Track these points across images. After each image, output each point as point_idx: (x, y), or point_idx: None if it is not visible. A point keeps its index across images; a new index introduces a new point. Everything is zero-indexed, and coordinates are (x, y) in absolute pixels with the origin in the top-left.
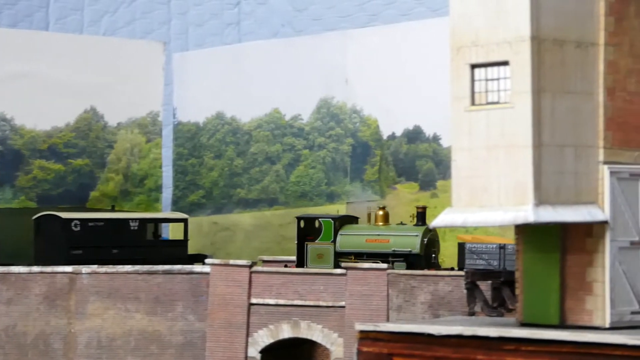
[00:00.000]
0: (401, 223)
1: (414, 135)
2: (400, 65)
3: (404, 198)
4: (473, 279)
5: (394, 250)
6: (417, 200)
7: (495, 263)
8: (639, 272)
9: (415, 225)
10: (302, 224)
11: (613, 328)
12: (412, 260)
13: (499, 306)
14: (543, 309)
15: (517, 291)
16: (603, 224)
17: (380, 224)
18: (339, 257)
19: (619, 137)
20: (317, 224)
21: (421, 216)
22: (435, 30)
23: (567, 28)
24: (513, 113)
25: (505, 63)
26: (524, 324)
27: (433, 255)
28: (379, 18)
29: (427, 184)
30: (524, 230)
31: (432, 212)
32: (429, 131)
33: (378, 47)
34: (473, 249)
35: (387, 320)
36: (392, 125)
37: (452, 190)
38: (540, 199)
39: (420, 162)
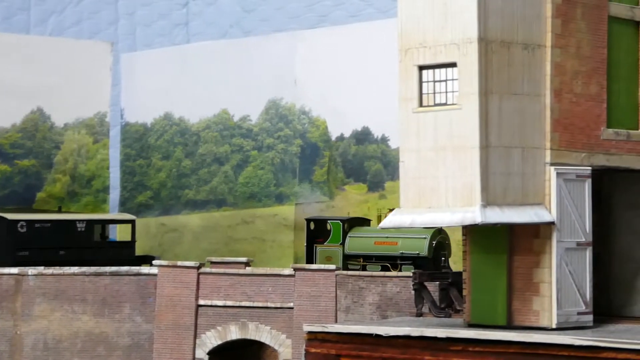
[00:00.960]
0: None
1: (363, 136)
2: (349, 67)
3: (352, 199)
4: (421, 279)
5: (401, 253)
6: (366, 201)
7: None
8: (586, 273)
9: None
10: (311, 225)
11: (560, 329)
12: (420, 263)
13: (446, 307)
14: (490, 310)
15: (465, 292)
16: (550, 224)
17: None
18: (348, 260)
19: (565, 138)
20: (328, 226)
21: None
22: (384, 31)
23: (514, 30)
24: (461, 114)
25: (453, 65)
26: (471, 325)
27: (443, 258)
28: (328, 19)
29: (375, 185)
30: (472, 231)
31: (380, 213)
32: (377, 132)
33: (327, 48)
34: None
35: (336, 321)
36: (340, 126)
37: (401, 191)
38: (488, 200)
39: (368, 163)
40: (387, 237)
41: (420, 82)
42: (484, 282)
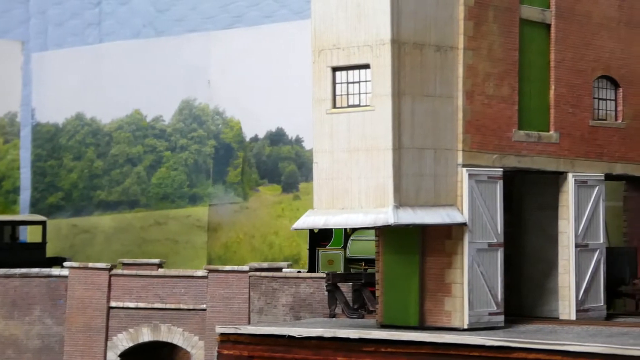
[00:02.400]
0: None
1: (277, 137)
2: (263, 67)
3: (266, 200)
4: (334, 280)
5: None
6: (280, 202)
7: None
8: (497, 274)
9: None
10: (315, 229)
11: (471, 329)
12: None
13: (359, 308)
14: (402, 311)
15: (377, 293)
16: (462, 226)
17: None
18: (350, 264)
19: (477, 140)
20: (330, 229)
21: None
22: (298, 33)
23: (427, 32)
24: (374, 116)
25: (366, 66)
26: (383, 326)
27: None
28: (243, 20)
29: (289, 186)
30: (384, 232)
31: (294, 215)
32: (292, 133)
33: (241, 48)
34: None
35: (249, 322)
36: (255, 127)
37: (314, 192)
38: (400, 201)
39: (283, 164)
40: None
41: (334, 83)
42: (397, 283)
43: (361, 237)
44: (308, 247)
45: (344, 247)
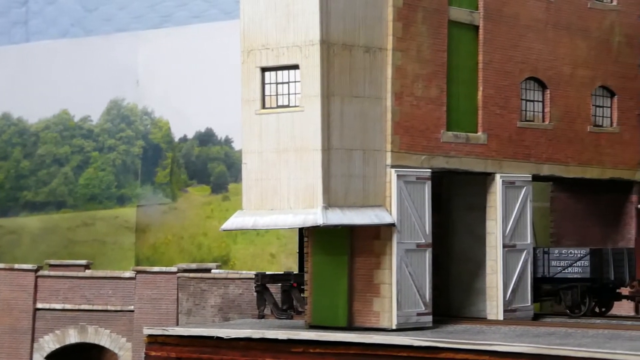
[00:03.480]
0: None
1: (206, 137)
2: (192, 68)
3: (195, 201)
4: (263, 281)
5: None
6: (209, 203)
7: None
8: (425, 274)
9: None
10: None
11: (400, 329)
12: None
13: (288, 309)
14: (331, 312)
15: (306, 294)
16: (390, 226)
17: None
18: None
19: (406, 141)
20: None
21: None
22: (227, 33)
23: (356, 33)
24: (303, 117)
25: (295, 67)
26: (312, 327)
27: None
28: (171, 20)
29: (219, 187)
30: (314, 233)
31: (223, 215)
32: (221, 134)
33: (170, 48)
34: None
35: (177, 324)
36: (184, 127)
37: (243, 193)
38: (329, 202)
39: (212, 165)
40: None
41: (263, 83)
42: (325, 284)
43: None
44: (297, 251)
45: None
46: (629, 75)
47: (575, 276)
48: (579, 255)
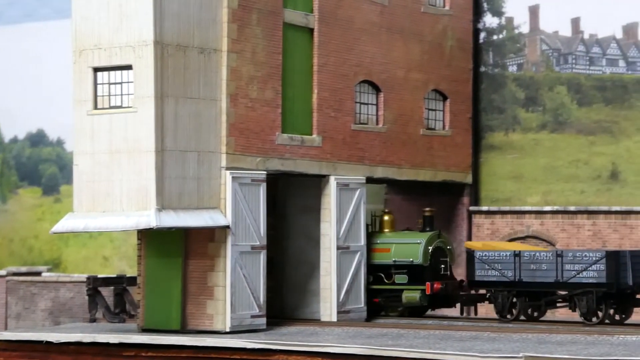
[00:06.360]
0: (407, 229)
1: (38, 138)
2: (23, 67)
3: (26, 203)
4: (95, 285)
5: (394, 261)
6: (41, 205)
7: (510, 274)
8: (260, 276)
9: (422, 231)
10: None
11: (233, 332)
12: (415, 272)
13: (120, 312)
14: (164, 315)
15: (139, 297)
16: (225, 228)
17: (387, 230)
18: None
19: (241, 143)
20: None
21: (429, 220)
22: (59, 32)
23: (191, 34)
24: (136, 118)
25: (128, 67)
26: (145, 330)
27: (442, 267)
28: (1, 18)
29: (50, 189)
30: (147, 235)
31: (55, 218)
32: (53, 135)
33: (0, 47)
34: (484, 257)
35: (5, 328)
36: (14, 128)
37: (74, 195)
38: (163, 204)
39: (43, 167)
40: (378, 243)
41: (95, 84)
42: (159, 287)
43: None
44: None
45: None
46: (461, 79)
47: (590, 281)
48: (594, 259)
